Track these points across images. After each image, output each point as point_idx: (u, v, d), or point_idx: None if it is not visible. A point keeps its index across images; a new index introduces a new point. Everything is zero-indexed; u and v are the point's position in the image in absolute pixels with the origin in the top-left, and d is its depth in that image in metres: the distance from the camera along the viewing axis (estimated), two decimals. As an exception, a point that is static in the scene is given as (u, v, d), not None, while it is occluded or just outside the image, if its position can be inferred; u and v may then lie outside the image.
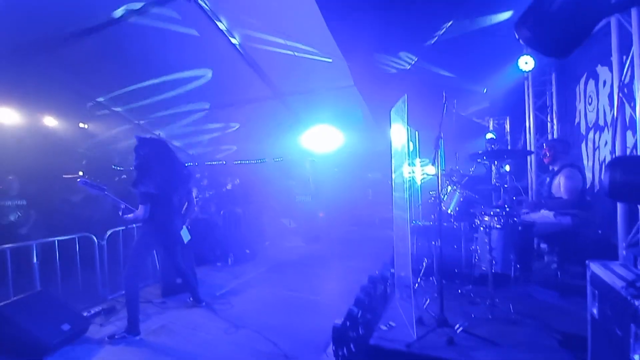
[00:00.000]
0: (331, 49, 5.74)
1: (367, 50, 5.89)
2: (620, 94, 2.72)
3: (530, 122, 5.61)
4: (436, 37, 5.32)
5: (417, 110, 3.56)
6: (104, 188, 3.50)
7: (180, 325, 3.60)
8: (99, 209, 6.64)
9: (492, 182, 5.18)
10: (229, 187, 7.71)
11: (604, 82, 3.95)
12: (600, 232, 3.90)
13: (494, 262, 3.16)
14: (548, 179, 4.02)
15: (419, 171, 5.74)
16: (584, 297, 2.76)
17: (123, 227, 4.64)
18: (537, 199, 4.73)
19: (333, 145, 8.93)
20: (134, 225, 4.49)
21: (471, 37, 5.11)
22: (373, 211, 9.87)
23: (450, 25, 4.98)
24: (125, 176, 8.64)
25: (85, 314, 3.71)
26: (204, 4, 4.77)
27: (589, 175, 4.34)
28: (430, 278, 3.95)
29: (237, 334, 3.37)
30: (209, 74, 6.42)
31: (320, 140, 8.84)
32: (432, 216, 4.12)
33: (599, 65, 4.03)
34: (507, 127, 6.66)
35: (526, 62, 4.97)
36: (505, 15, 4.68)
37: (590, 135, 4.37)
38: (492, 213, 3.30)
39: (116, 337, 3.28)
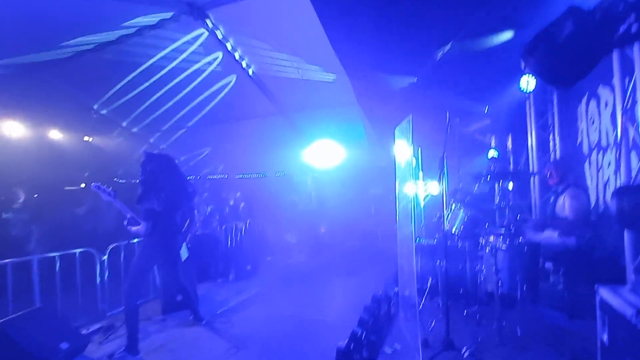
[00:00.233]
0: (334, 67, 5.83)
1: (369, 69, 5.98)
2: (624, 117, 2.75)
3: (532, 141, 5.63)
4: (437, 57, 5.42)
5: (419, 126, 3.60)
6: (115, 195, 3.48)
7: (180, 344, 3.54)
8: (101, 222, 6.64)
9: (496, 201, 5.17)
10: (231, 202, 7.71)
11: (606, 103, 3.98)
12: (606, 252, 3.87)
13: (500, 283, 3.12)
14: (552, 198, 4.01)
15: (422, 188, 5.74)
16: (592, 320, 2.71)
17: (125, 242, 4.62)
18: (541, 219, 4.70)
19: (335, 160, 8.96)
20: (136, 239, 4.48)
21: (472, 56, 5.19)
22: (375, 227, 9.83)
23: (451, 45, 5.08)
24: (128, 188, 8.66)
25: (84, 331, 3.66)
26: (218, 32, 4.89)
27: (592, 195, 4.33)
28: (435, 298, 3.89)
29: (237, 355, 3.30)
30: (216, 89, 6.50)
31: (323, 156, 8.88)
32: (437, 235, 4.10)
33: (601, 86, 4.08)
34: (509, 144, 6.69)
35: (527, 82, 5.03)
36: (507, 35, 4.77)
37: (593, 155, 4.38)
38: (497, 233, 3.28)
39: (115, 356, 3.21)
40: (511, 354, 2.75)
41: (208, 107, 7.09)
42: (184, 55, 5.43)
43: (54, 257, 4.00)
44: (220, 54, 5.51)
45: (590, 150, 4.48)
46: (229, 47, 5.30)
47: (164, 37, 5.03)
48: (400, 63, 5.84)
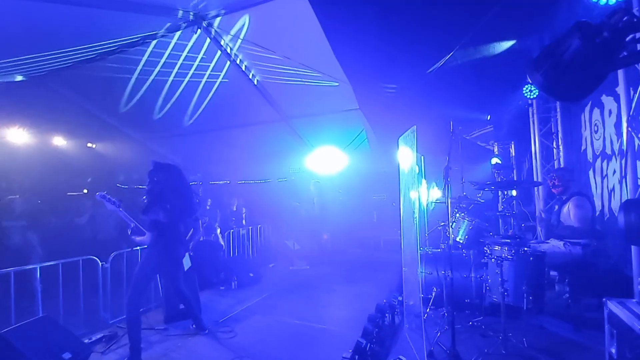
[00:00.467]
0: (337, 74, 5.85)
1: (371, 76, 6.00)
2: (629, 128, 2.74)
3: (535, 148, 5.62)
4: (440, 64, 5.43)
5: (421, 133, 3.60)
6: (119, 204, 3.48)
7: (183, 354, 3.51)
8: (103, 230, 6.64)
9: (499, 209, 5.15)
10: (234, 208, 7.69)
11: (610, 112, 3.98)
12: (612, 262, 3.84)
13: (506, 293, 3.09)
14: (557, 207, 3.99)
15: (425, 194, 5.72)
16: (598, 331, 2.68)
17: (128, 249, 4.62)
18: (546, 227, 4.68)
19: (337, 166, 8.96)
20: (138, 247, 4.47)
21: (474, 64, 5.20)
22: (378, 233, 9.79)
23: (454, 52, 5.09)
24: (130, 194, 8.68)
25: (86, 340, 3.64)
26: (223, 42, 4.93)
27: (597, 203, 4.31)
28: (440, 308, 3.86)
29: (241, 366, 3.28)
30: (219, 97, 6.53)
31: (325, 162, 8.87)
32: (442, 245, 4.07)
33: (604, 95, 4.08)
34: (512, 151, 6.68)
35: (531, 90, 5.04)
36: (510, 43, 4.78)
37: (598, 163, 4.37)
38: (502, 242, 3.26)
39: (118, 366, 3.19)
40: (518, 366, 2.72)
41: (210, 114, 7.12)
42: (181, 60, 5.42)
43: (57, 265, 4.00)
44: (224, 62, 5.54)
45: (595, 158, 4.47)
46: (232, 55, 5.34)
47: (167, 45, 5.07)
48: (403, 70, 5.86)
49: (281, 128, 7.85)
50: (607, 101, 4.02)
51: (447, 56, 5.12)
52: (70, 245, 5.65)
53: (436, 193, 5.71)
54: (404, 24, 4.51)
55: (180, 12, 4.32)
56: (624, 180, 3.46)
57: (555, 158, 5.48)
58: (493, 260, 3.27)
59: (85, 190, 8.18)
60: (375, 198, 10.66)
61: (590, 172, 4.61)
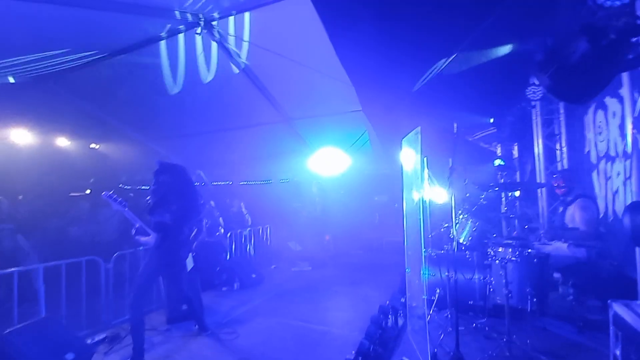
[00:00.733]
0: (339, 75, 5.85)
1: (374, 77, 6.00)
2: (634, 130, 2.73)
3: (539, 150, 5.61)
4: (443, 65, 5.43)
5: (424, 134, 3.60)
6: (125, 204, 3.47)
7: (185, 356, 3.51)
8: (105, 231, 6.65)
9: (502, 210, 5.13)
10: (235, 209, 7.69)
11: (614, 114, 3.97)
12: (616, 264, 3.82)
13: (510, 295, 3.08)
14: (561, 209, 3.98)
15: (428, 193, 5.70)
16: (603, 333, 2.66)
17: (130, 250, 4.62)
18: (550, 229, 4.66)
19: (340, 168, 8.95)
20: (141, 247, 4.47)
21: (477, 65, 5.20)
22: (380, 235, 9.78)
23: (457, 54, 5.09)
24: (132, 194, 8.70)
25: (89, 341, 3.64)
26: (225, 41, 4.94)
27: (601, 205, 4.29)
28: (444, 310, 3.84)
29: (243, 367, 3.27)
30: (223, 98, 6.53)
31: (327, 163, 8.87)
32: (445, 246, 4.06)
33: (608, 97, 4.07)
34: (515, 153, 6.66)
35: (533, 92, 5.03)
36: (512, 44, 4.77)
37: (602, 165, 4.35)
38: (506, 244, 3.25)
39: (120, 367, 3.19)
40: (522, 369, 2.71)
41: (213, 115, 7.13)
42: (183, 61, 5.44)
43: (60, 265, 4.01)
44: (225, 62, 5.55)
45: (599, 159, 4.45)
46: (235, 56, 5.35)
47: (170, 46, 5.08)
48: (406, 72, 5.86)
49: (283, 129, 7.85)
50: (611, 103, 4.01)
51: (449, 59, 5.12)
52: (72, 246, 5.67)
53: (440, 195, 5.69)
54: (408, 24, 4.51)
55: (187, 14, 4.33)
56: (628, 182, 3.46)
57: (558, 160, 5.47)
58: (497, 262, 3.26)
59: (88, 191, 8.21)
60: (377, 199, 10.65)
61: (594, 174, 4.59)
